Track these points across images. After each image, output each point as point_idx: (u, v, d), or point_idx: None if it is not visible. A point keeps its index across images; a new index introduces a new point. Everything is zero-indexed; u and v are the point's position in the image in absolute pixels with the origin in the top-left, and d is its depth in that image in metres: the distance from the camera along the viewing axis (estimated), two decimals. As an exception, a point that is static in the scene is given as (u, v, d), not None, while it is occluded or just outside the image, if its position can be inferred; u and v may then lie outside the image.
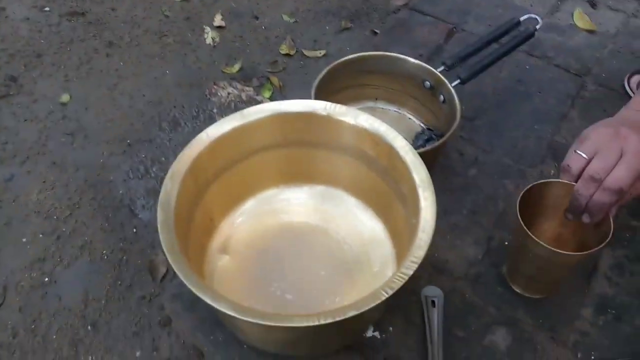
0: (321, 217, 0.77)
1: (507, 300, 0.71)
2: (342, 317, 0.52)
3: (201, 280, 0.56)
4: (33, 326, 0.73)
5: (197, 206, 0.69)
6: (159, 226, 0.57)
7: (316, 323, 0.52)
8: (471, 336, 0.68)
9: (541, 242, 0.60)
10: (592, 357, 0.67)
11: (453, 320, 0.69)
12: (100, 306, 0.75)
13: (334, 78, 0.86)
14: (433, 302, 0.70)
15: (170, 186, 0.62)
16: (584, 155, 0.61)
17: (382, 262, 0.71)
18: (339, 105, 0.71)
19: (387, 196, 0.71)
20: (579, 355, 0.67)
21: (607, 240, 0.60)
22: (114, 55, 1.12)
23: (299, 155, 0.76)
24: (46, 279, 0.78)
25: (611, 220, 0.61)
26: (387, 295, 0.53)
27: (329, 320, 0.52)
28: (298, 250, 0.74)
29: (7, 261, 0.80)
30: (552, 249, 0.60)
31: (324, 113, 0.71)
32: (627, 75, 0.99)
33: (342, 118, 0.71)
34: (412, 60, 0.87)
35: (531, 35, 0.87)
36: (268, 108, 0.72)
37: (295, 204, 0.79)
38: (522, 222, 0.62)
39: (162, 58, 1.13)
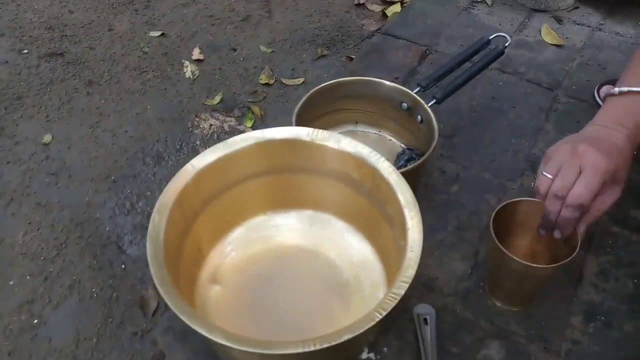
0: (310, 241, 0.78)
1: (498, 313, 0.72)
2: (338, 342, 0.52)
3: (193, 311, 0.56)
4: (23, 370, 0.72)
5: (186, 238, 0.69)
6: (149, 260, 0.57)
7: (312, 349, 0.52)
8: (465, 352, 0.69)
9: (515, 258, 0.62)
10: (585, 365, 0.68)
11: (446, 336, 0.70)
12: (91, 345, 0.74)
13: (314, 105, 0.88)
14: (425, 320, 0.71)
15: (158, 219, 0.62)
16: (549, 176, 0.64)
17: (373, 284, 0.72)
18: (321, 131, 0.73)
19: (373, 218, 0.72)
20: (572, 364, 0.68)
21: (575, 253, 0.62)
22: (94, 94, 1.13)
23: (285, 181, 0.77)
24: (35, 321, 0.77)
25: (578, 235, 0.64)
26: (380, 317, 0.54)
27: (325, 345, 0.52)
28: (289, 274, 0.75)
29: (-5, 306, 0.79)
30: (526, 263, 0.62)
31: (307, 139, 0.73)
32: (597, 87, 1.02)
33: (326, 143, 0.72)
34: (388, 83, 0.89)
35: (501, 53, 0.90)
36: (252, 136, 0.74)
37: (284, 229, 0.79)
38: (496, 240, 0.64)
39: (143, 94, 1.14)
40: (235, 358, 0.62)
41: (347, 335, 0.53)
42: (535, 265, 0.61)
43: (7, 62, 1.19)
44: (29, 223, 0.89)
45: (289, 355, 0.54)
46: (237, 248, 0.78)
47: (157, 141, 1.04)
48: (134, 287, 0.81)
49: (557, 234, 0.64)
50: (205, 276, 0.76)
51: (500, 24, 1.20)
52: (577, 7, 1.25)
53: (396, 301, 0.55)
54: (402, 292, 0.56)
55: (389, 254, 0.69)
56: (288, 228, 0.79)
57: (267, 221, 0.80)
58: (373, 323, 0.53)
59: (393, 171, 0.67)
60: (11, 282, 0.82)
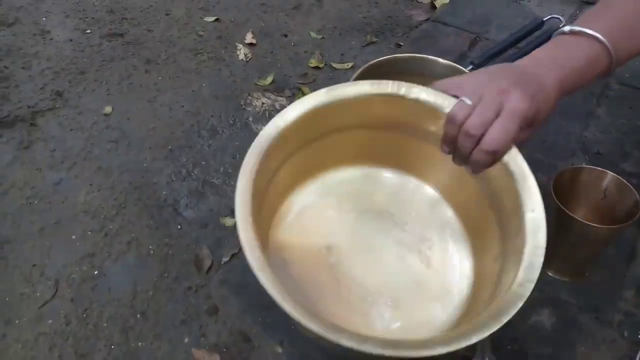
0: (393, 208, 0.67)
1: (549, 283, 0.72)
2: (457, 347, 0.43)
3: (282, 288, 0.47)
4: (84, 315, 0.75)
5: (272, 180, 0.62)
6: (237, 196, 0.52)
7: (431, 353, 0.43)
8: (516, 316, 0.69)
9: (576, 217, 0.62)
10: (639, 336, 0.67)
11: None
12: (148, 297, 0.77)
13: (369, 79, 0.90)
14: (475, 285, 0.71)
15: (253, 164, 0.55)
16: (468, 102, 0.54)
17: (459, 278, 0.62)
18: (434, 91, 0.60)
19: (480, 206, 0.61)
20: (625, 334, 0.67)
21: (636, 217, 0.62)
22: (152, 72, 1.18)
23: (387, 138, 0.67)
24: (96, 272, 0.81)
25: (638, 197, 0.63)
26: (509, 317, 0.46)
27: (444, 350, 0.42)
28: (362, 245, 0.64)
29: (58, 257, 0.83)
30: (586, 222, 0.62)
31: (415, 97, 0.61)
32: (651, 74, 1.01)
33: (438, 104, 0.59)
34: (441, 60, 0.90)
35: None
36: (355, 88, 0.62)
37: (372, 190, 0.69)
38: (556, 200, 0.64)
39: (198, 73, 1.18)
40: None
41: (475, 337, 0.44)
42: (595, 224, 0.62)
43: (71, 40, 1.25)
44: (90, 184, 0.94)
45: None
46: (319, 199, 0.68)
47: (212, 116, 1.07)
48: (189, 246, 0.84)
49: (468, 169, 0.56)
50: (286, 221, 0.65)
51: (550, 14, 1.20)
52: None
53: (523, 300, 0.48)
54: (528, 292, 0.48)
55: (484, 256, 0.60)
56: (377, 189, 0.69)
57: (374, 174, 0.70)
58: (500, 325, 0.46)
59: (518, 155, 0.56)
60: (73, 237, 0.86)
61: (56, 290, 0.78)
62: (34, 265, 0.82)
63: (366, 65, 0.90)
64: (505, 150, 0.53)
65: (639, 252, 0.76)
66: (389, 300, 0.60)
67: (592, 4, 1.24)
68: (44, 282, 0.79)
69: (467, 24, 1.20)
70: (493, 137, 0.52)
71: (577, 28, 0.58)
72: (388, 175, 0.69)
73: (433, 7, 1.37)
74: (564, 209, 0.63)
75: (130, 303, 0.77)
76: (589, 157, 0.89)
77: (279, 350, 0.68)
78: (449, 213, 0.66)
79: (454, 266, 0.62)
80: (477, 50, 1.12)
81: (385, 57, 0.92)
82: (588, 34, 0.57)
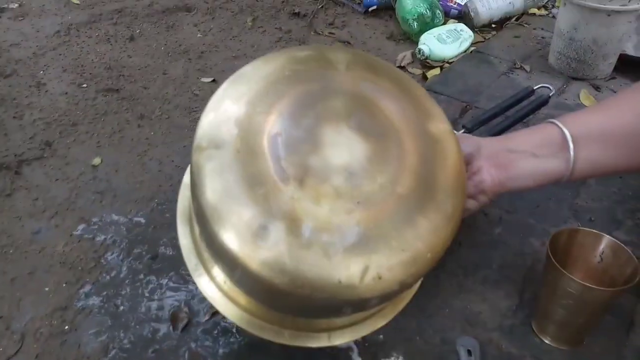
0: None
1: (546, 352, 0.69)
2: None
3: None
4: (49, 374, 0.70)
5: None
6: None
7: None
8: (512, 387, 0.65)
9: (573, 278, 0.60)
10: (642, 411, 0.63)
11: (491, 370, 0.66)
12: (121, 356, 0.72)
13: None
14: (469, 351, 0.68)
15: None
16: None
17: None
18: None
19: None
20: (627, 409, 0.63)
21: (636, 281, 0.60)
22: (145, 126, 1.18)
23: None
24: (66, 327, 0.76)
25: (637, 262, 0.62)
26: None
27: None
28: None
29: (28, 309, 0.78)
30: (584, 283, 0.60)
31: None
32: None
33: None
34: (434, 122, 0.91)
35: (545, 101, 0.93)
36: None
37: None
38: (553, 259, 0.62)
39: (191, 130, 1.18)
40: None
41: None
42: (594, 286, 0.59)
43: (66, 93, 1.26)
44: (71, 235, 0.90)
45: None
46: None
47: (201, 172, 1.06)
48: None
49: None
50: None
51: (542, 89, 1.24)
52: (614, 78, 1.29)
53: None
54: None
55: None
56: None
57: None
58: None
59: None
60: (47, 288, 0.81)
61: (21, 346, 0.73)
62: (0, 317, 0.77)
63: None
64: None
65: (637, 322, 0.73)
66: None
67: (579, 79, 1.28)
68: (9, 336, 0.74)
69: (458, 94, 1.23)
70: None
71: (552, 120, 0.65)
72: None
73: (425, 78, 1.41)
74: (562, 269, 0.61)
75: (101, 361, 0.71)
76: (582, 224, 0.89)
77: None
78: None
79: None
80: (468, 117, 1.14)
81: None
82: (553, 122, 0.64)
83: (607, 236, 0.66)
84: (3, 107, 1.19)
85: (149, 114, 1.22)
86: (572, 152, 0.62)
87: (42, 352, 0.73)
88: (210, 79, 1.35)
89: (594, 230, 0.66)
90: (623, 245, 0.65)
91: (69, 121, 1.17)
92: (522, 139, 0.67)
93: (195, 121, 1.20)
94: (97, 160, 1.07)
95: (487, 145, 0.67)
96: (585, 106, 1.18)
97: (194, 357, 0.71)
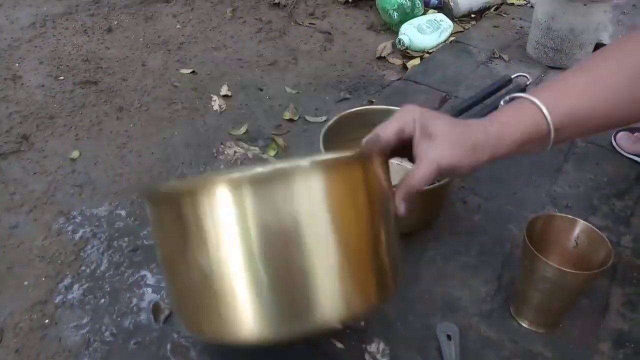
0: None
1: (524, 335, 0.70)
2: None
3: None
4: (30, 367, 0.69)
5: None
6: None
7: None
8: (490, 370, 0.66)
9: (549, 262, 0.61)
10: (616, 391, 0.65)
11: (470, 354, 0.68)
12: (102, 348, 0.72)
13: (340, 130, 0.90)
14: (449, 336, 0.69)
15: None
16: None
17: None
18: None
19: None
20: (602, 389, 0.65)
21: (609, 264, 0.61)
22: (124, 119, 1.17)
23: None
24: (47, 321, 0.75)
25: (610, 246, 0.63)
26: None
27: None
28: None
29: (7, 304, 0.77)
30: (560, 268, 0.61)
31: None
32: (613, 134, 1.05)
33: None
34: (414, 112, 0.92)
35: (522, 90, 0.93)
36: None
37: None
38: (530, 245, 0.63)
39: (171, 122, 1.17)
40: None
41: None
42: (569, 270, 0.61)
43: (43, 85, 1.24)
44: (49, 229, 0.89)
45: None
46: None
47: (182, 163, 1.05)
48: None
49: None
50: None
51: (520, 78, 1.25)
52: (590, 67, 1.31)
53: None
54: None
55: None
56: None
57: None
58: None
59: None
60: (26, 283, 0.80)
61: (0, 341, 0.72)
62: (-22, 312, 0.76)
63: (340, 115, 0.91)
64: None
65: (611, 304, 0.75)
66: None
67: (557, 68, 1.30)
68: (-12, 331, 0.73)
69: (438, 83, 1.24)
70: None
71: (516, 94, 0.60)
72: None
73: (405, 68, 1.41)
74: (538, 254, 0.62)
75: (83, 354, 0.71)
76: (559, 210, 0.90)
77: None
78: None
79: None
80: (447, 107, 1.15)
81: (357, 108, 0.93)
82: (522, 96, 0.58)
83: (582, 221, 0.67)
84: (-22, 101, 1.17)
85: (127, 106, 1.21)
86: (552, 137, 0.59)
87: (22, 347, 0.72)
88: (189, 70, 1.34)
89: (569, 216, 0.67)
90: (597, 230, 0.66)
91: (46, 114, 1.16)
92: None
93: (174, 113, 1.20)
94: (75, 154, 1.06)
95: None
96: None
97: (176, 348, 0.71)
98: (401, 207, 0.55)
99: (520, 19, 1.56)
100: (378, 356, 0.67)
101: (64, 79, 1.27)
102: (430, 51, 1.45)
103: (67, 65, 1.32)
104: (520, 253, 0.68)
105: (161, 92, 1.27)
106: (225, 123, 1.18)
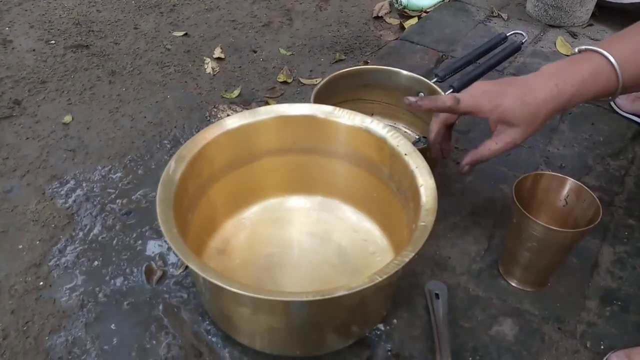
0: (324, 228, 0.77)
1: (512, 293, 0.71)
2: (331, 296, 0.49)
3: (192, 254, 0.54)
4: (25, 328, 0.70)
5: (200, 198, 0.69)
6: (157, 200, 0.57)
7: (302, 299, 0.49)
8: (477, 327, 0.67)
9: (537, 221, 0.61)
10: (602, 347, 0.66)
11: (458, 312, 0.68)
12: (96, 308, 0.73)
13: (331, 91, 0.89)
14: (437, 295, 0.69)
15: (174, 167, 0.62)
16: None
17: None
18: (346, 110, 0.73)
19: (389, 203, 0.70)
20: (587, 345, 0.66)
21: (597, 222, 0.61)
22: (116, 83, 1.16)
23: (305, 162, 0.77)
24: (41, 283, 0.76)
25: (599, 204, 0.63)
26: (379, 279, 0.51)
27: (318, 298, 0.49)
28: (298, 258, 0.73)
29: (2, 266, 0.78)
30: (548, 226, 0.61)
31: (330, 117, 0.73)
32: (612, 93, 1.03)
33: (348, 122, 0.72)
34: (405, 72, 0.90)
35: (518, 48, 0.91)
36: (275, 110, 0.74)
37: (299, 213, 0.79)
38: (517, 204, 0.63)
39: (164, 85, 1.16)
40: (228, 315, 0.60)
41: (341, 291, 0.49)
42: (556, 228, 0.61)
43: (34, 50, 1.23)
44: (43, 193, 0.90)
45: (281, 306, 0.52)
46: (250, 224, 0.78)
47: (175, 127, 1.05)
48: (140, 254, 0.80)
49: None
50: (215, 245, 0.75)
51: (515, 35, 1.22)
52: (591, 25, 1.28)
53: (399, 267, 0.53)
54: (407, 259, 0.53)
55: (403, 242, 0.65)
56: (303, 212, 0.79)
57: (284, 202, 0.80)
58: (371, 284, 0.50)
59: (413, 151, 0.66)
60: (20, 246, 0.81)
61: (-4, 302, 0.74)
62: (-26, 274, 0.77)
63: (331, 76, 0.90)
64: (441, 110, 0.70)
65: (601, 263, 0.76)
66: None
67: (556, 27, 1.27)
68: (-16, 293, 0.75)
69: (434, 43, 1.22)
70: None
71: (585, 47, 0.63)
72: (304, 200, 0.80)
73: (402, 28, 1.38)
74: (526, 212, 0.62)
75: (77, 315, 0.72)
76: (553, 170, 0.90)
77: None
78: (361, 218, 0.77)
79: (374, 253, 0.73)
80: (443, 67, 1.13)
81: (350, 68, 0.92)
82: (597, 51, 0.60)
83: (571, 180, 0.67)
84: (-32, 66, 1.16)
85: (120, 69, 1.20)
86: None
87: (17, 308, 0.73)
88: (182, 33, 1.31)
89: (559, 174, 0.67)
90: (587, 188, 0.66)
91: (37, 79, 1.15)
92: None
93: (166, 76, 1.18)
94: (68, 118, 1.05)
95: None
96: (562, 53, 1.17)
97: (167, 308, 0.72)
98: (465, 168, 0.69)
99: (522, -25, 1.52)
100: (366, 314, 0.68)
101: (55, 43, 1.25)
102: (428, 10, 1.42)
103: (58, 29, 1.30)
104: (509, 215, 0.67)
105: (154, 55, 1.25)
106: (218, 86, 1.17)
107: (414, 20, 1.40)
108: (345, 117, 0.72)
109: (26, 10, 1.37)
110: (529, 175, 0.68)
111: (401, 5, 1.41)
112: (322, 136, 0.74)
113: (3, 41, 1.25)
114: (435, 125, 0.70)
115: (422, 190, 0.61)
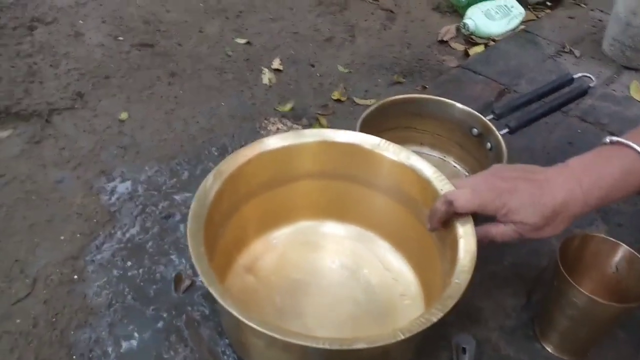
0: (355, 260, 0.75)
1: (546, 359, 0.66)
2: (349, 347, 0.48)
3: (215, 277, 0.54)
4: (54, 319, 0.73)
5: (233, 215, 0.69)
6: (189, 215, 0.57)
7: (319, 346, 0.48)
8: (505, 390, 0.63)
9: (580, 289, 0.57)
10: None
11: (484, 370, 0.65)
12: (123, 310, 0.74)
13: (381, 117, 0.87)
14: (464, 349, 0.66)
15: (212, 182, 0.62)
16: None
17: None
18: (392, 144, 0.71)
19: (426, 248, 0.67)
20: None
21: None
22: (175, 84, 1.18)
23: (344, 189, 0.75)
24: (75, 277, 0.78)
25: None
26: (402, 337, 0.49)
27: (335, 347, 0.47)
28: (325, 288, 0.71)
29: (43, 255, 0.81)
30: (590, 295, 0.56)
31: (375, 149, 0.71)
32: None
33: (394, 157, 0.70)
34: (460, 105, 0.87)
35: (584, 92, 0.86)
36: (320, 133, 0.73)
37: (331, 240, 0.77)
38: (560, 266, 0.59)
39: (220, 91, 1.18)
40: (244, 344, 0.59)
41: (361, 344, 0.48)
42: (601, 300, 0.56)
43: (103, 44, 1.27)
44: (91, 188, 0.92)
45: (290, 345, 0.50)
46: (281, 246, 0.77)
47: (225, 135, 1.06)
48: (173, 262, 0.81)
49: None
50: (243, 262, 0.75)
51: (584, 78, 1.16)
52: (672, 71, 1.20)
53: (425, 326, 0.50)
54: (435, 319, 0.51)
55: (435, 290, 0.63)
56: (335, 240, 0.77)
57: (317, 227, 0.79)
58: (392, 341, 0.48)
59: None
60: (62, 237, 0.84)
61: (32, 290, 0.76)
62: (16, 260, 0.80)
63: (383, 101, 0.88)
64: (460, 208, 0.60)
65: (650, 338, 0.70)
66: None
67: (632, 69, 1.19)
68: (22, 280, 0.77)
69: (497, 75, 1.17)
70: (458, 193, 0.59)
71: (616, 138, 0.56)
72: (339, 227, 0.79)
73: (466, 55, 1.34)
74: (568, 277, 0.58)
75: (103, 313, 0.74)
76: (610, 228, 0.84)
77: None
78: (395, 257, 0.75)
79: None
80: (504, 101, 1.08)
81: (404, 96, 0.89)
82: (627, 144, 0.54)
83: (624, 246, 0.62)
84: (41, 55, 1.22)
85: (180, 72, 1.22)
86: None
87: (50, 298, 0.75)
88: (244, 41, 1.33)
89: (610, 238, 0.62)
90: (638, 255, 0.61)
91: (102, 73, 1.19)
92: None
93: (224, 82, 1.20)
94: (124, 115, 1.08)
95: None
96: (635, 99, 1.10)
97: (189, 320, 0.72)
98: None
99: (600, 10, 1.44)
100: None
101: (123, 40, 1.30)
102: (496, 39, 1.37)
103: (127, 26, 1.35)
104: (550, 277, 0.63)
105: (214, 60, 1.27)
106: (272, 97, 1.17)
107: (479, 48, 1.35)
108: (391, 151, 0.70)
109: (101, 5, 1.42)
110: (578, 236, 0.63)
111: (468, 30, 1.37)
112: (365, 167, 0.72)
113: (76, 34, 1.30)
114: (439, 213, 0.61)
115: (461, 242, 0.58)
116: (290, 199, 0.75)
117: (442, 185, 0.64)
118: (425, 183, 0.66)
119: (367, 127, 0.82)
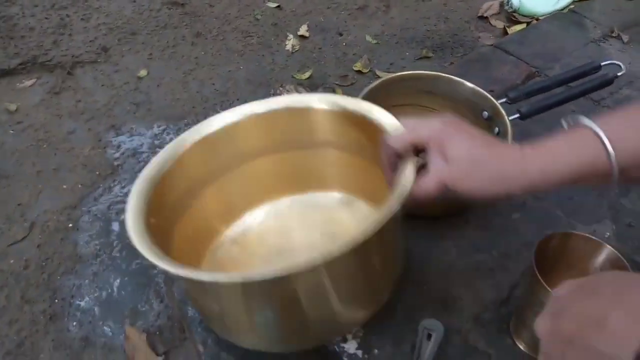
0: (336, 228, 0.73)
1: (514, 355, 0.63)
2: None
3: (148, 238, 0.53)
4: (44, 264, 0.76)
5: (207, 185, 0.67)
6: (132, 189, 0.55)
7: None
8: (470, 385, 0.61)
9: (547, 287, 0.53)
10: None
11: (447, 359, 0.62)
12: (107, 262, 0.77)
13: (388, 93, 0.84)
14: (430, 335, 0.64)
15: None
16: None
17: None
18: (323, 95, 0.66)
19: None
20: None
21: None
22: (198, 45, 1.19)
23: (294, 159, 0.73)
24: (70, 225, 0.82)
25: None
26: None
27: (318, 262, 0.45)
28: (304, 251, 0.70)
29: (44, 202, 0.85)
30: None
31: (301, 106, 0.68)
32: None
33: (327, 107, 0.66)
34: (469, 85, 0.82)
35: (609, 81, 0.79)
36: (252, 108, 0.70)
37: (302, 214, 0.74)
38: (535, 267, 0.55)
39: (241, 55, 1.17)
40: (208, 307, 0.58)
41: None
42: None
43: (134, 1, 1.29)
44: (99, 140, 0.95)
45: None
46: (267, 220, 0.75)
47: (238, 99, 1.06)
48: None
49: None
50: (231, 235, 0.73)
51: (630, 63, 1.07)
52: None
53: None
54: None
55: None
56: (306, 213, 0.74)
57: (286, 202, 0.76)
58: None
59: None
60: (65, 186, 0.87)
61: (29, 233, 0.80)
62: (19, 204, 0.84)
63: (387, 77, 0.84)
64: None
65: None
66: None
67: (684, 59, 1.08)
68: (21, 223, 0.81)
69: (531, 57, 1.10)
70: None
71: (583, 121, 0.50)
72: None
73: (505, 33, 1.26)
74: (539, 276, 0.54)
75: (89, 262, 0.77)
76: (617, 228, 0.78)
77: (201, 349, 0.64)
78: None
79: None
80: (528, 86, 1.01)
81: (409, 72, 0.85)
82: (587, 127, 0.48)
83: (609, 247, 0.57)
84: (74, 7, 1.25)
85: (205, 32, 1.22)
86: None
87: (43, 243, 0.79)
88: (275, 5, 1.31)
89: (594, 238, 0.57)
90: (624, 259, 0.56)
91: (129, 30, 1.21)
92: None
93: (247, 46, 1.19)
94: (143, 72, 1.10)
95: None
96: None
97: (168, 279, 0.73)
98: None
99: (665, -7, 1.31)
100: (348, 336, 0.65)
101: (155, -3, 1.31)
102: (540, 17, 1.28)
103: (162, -17, 1.36)
104: (525, 276, 0.59)
105: (242, 23, 1.26)
106: (292, 64, 1.16)
107: (520, 26, 1.27)
108: (325, 102, 0.66)
109: (139, -38, 1.44)
110: (559, 233, 0.59)
111: (511, 8, 1.29)
112: (308, 127, 0.69)
113: (110, -11, 1.33)
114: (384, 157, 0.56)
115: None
116: (248, 180, 0.73)
117: (379, 116, 0.60)
118: (369, 125, 0.62)
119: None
